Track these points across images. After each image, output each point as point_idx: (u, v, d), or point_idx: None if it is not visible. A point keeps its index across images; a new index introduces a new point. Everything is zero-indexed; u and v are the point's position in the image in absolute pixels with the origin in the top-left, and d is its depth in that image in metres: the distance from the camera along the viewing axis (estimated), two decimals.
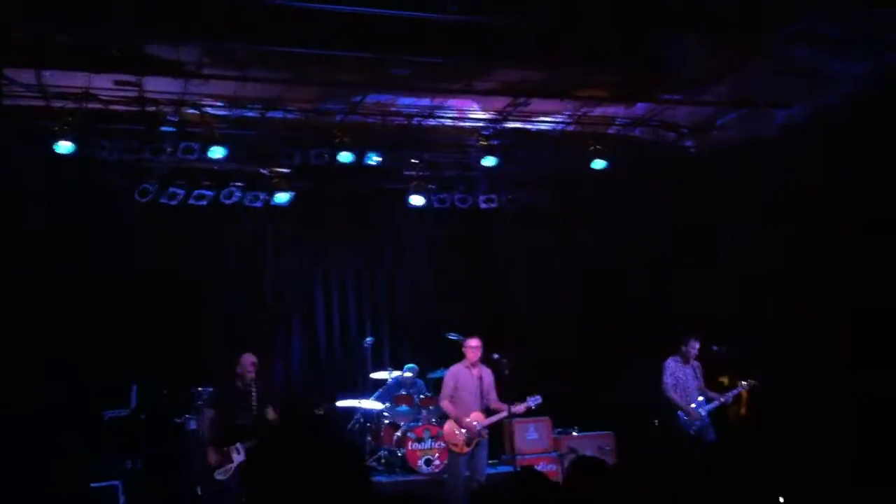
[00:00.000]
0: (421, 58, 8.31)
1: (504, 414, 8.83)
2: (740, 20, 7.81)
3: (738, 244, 10.25)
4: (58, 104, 8.78)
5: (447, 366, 10.77)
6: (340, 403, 10.51)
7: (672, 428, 9.47)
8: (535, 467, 8.35)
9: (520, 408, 8.78)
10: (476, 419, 8.73)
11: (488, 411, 8.87)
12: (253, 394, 8.12)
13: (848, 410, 8.48)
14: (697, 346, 9.62)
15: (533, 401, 8.78)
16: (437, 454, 9.93)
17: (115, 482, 8.89)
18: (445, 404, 8.90)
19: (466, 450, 8.71)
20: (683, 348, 9.64)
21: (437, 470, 9.87)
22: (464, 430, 8.70)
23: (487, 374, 8.96)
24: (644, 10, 7.54)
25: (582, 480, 4.12)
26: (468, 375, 8.88)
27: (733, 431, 9.87)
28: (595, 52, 8.37)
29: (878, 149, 8.64)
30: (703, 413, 9.42)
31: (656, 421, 9.81)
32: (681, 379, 9.58)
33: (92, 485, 8.72)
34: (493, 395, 8.95)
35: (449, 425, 8.85)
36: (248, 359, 8.24)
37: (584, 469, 4.24)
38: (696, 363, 9.66)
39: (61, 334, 9.55)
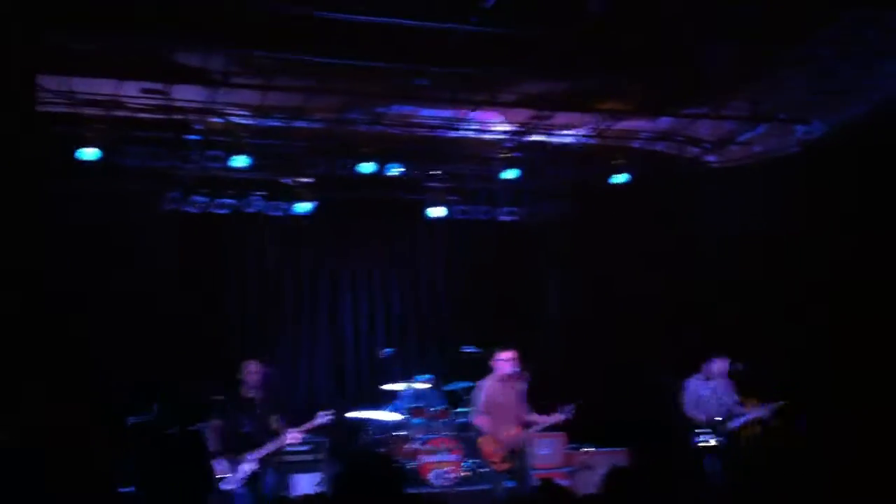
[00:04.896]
0: (443, 68, 8.35)
1: (542, 425, 8.57)
2: (771, 29, 7.79)
3: (761, 258, 10.17)
4: (86, 111, 8.89)
5: (463, 378, 10.80)
6: (355, 414, 10.49)
7: (686, 448, 9.37)
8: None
9: (556, 418, 8.49)
10: (513, 433, 8.43)
11: (525, 424, 8.54)
12: (258, 403, 8.10)
13: (862, 429, 8.41)
14: (718, 363, 9.39)
15: (567, 410, 8.46)
16: (450, 467, 9.86)
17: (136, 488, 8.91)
18: (480, 420, 8.59)
19: (506, 465, 8.40)
20: (704, 366, 9.52)
21: (449, 483, 9.79)
22: (502, 446, 8.42)
23: (521, 386, 8.63)
24: (674, 18, 7.54)
25: (618, 491, 4.10)
26: (502, 389, 8.55)
27: (756, 454, 9.79)
28: (619, 63, 8.38)
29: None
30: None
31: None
32: (703, 397, 9.47)
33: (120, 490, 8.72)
34: (526, 408, 8.64)
35: (485, 441, 8.53)
36: (251, 366, 8.13)
37: (620, 480, 4.21)
38: (724, 381, 9.41)
39: (83, 340, 9.61)
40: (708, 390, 9.40)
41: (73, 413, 8.91)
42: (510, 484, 8.53)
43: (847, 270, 9.10)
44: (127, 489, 8.78)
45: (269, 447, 7.86)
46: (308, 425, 8.07)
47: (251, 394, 8.06)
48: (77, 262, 9.77)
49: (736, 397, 9.41)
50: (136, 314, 10.14)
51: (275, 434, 7.95)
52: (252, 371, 8.09)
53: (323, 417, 8.15)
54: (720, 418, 9.25)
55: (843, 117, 9.37)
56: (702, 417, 9.32)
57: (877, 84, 8.72)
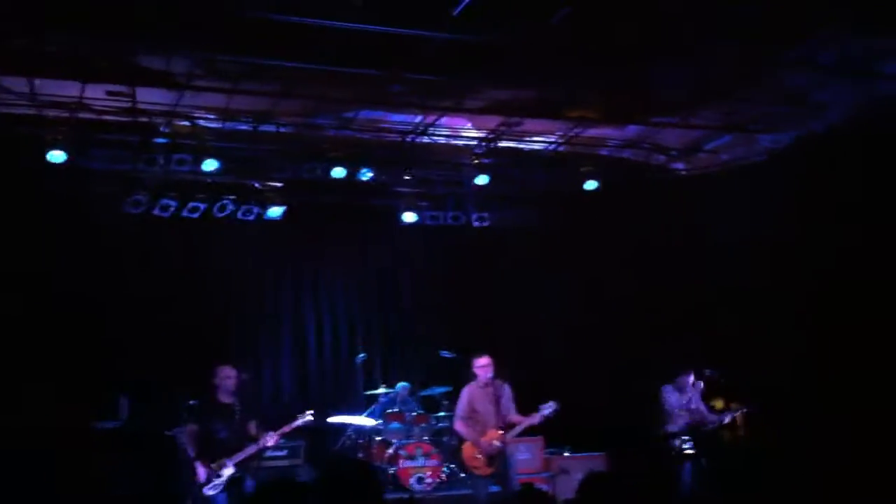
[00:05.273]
0: (412, 74, 8.35)
1: (523, 426, 8.54)
2: (737, 48, 7.87)
3: (728, 264, 10.25)
4: (50, 113, 8.81)
5: (439, 383, 10.81)
6: (332, 419, 10.46)
7: (662, 451, 9.41)
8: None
9: (536, 418, 8.48)
10: (493, 438, 8.45)
11: (508, 426, 8.51)
12: (234, 407, 8.05)
13: (844, 431, 8.49)
14: (690, 378, 9.46)
15: (547, 408, 8.47)
16: (428, 472, 9.83)
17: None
18: (459, 426, 8.62)
19: (489, 470, 8.43)
20: (676, 380, 9.58)
21: (428, 488, 9.78)
22: (483, 451, 8.44)
23: (506, 391, 8.64)
24: (639, 35, 7.60)
25: (595, 496, 4.10)
26: (482, 395, 8.58)
27: (731, 456, 9.84)
28: (586, 72, 8.42)
29: (866, 175, 8.71)
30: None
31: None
32: (674, 404, 9.52)
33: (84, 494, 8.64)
34: (512, 410, 8.65)
35: (467, 448, 8.55)
36: (225, 371, 8.08)
37: (596, 485, 4.21)
38: (695, 388, 9.49)
39: (51, 343, 9.54)
40: (676, 398, 9.47)
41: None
42: (494, 488, 8.56)
43: (826, 274, 9.19)
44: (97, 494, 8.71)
45: (249, 451, 7.83)
46: (287, 427, 8.06)
47: (226, 399, 8.03)
48: (45, 265, 9.71)
49: (703, 404, 9.49)
50: (103, 317, 10.06)
51: (252, 439, 7.92)
52: (227, 376, 8.05)
53: (302, 419, 8.15)
54: (692, 425, 9.32)
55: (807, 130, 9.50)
56: (674, 426, 9.39)
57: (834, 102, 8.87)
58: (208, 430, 7.91)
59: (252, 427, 8.03)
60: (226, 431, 7.91)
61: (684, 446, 9.31)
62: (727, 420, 9.39)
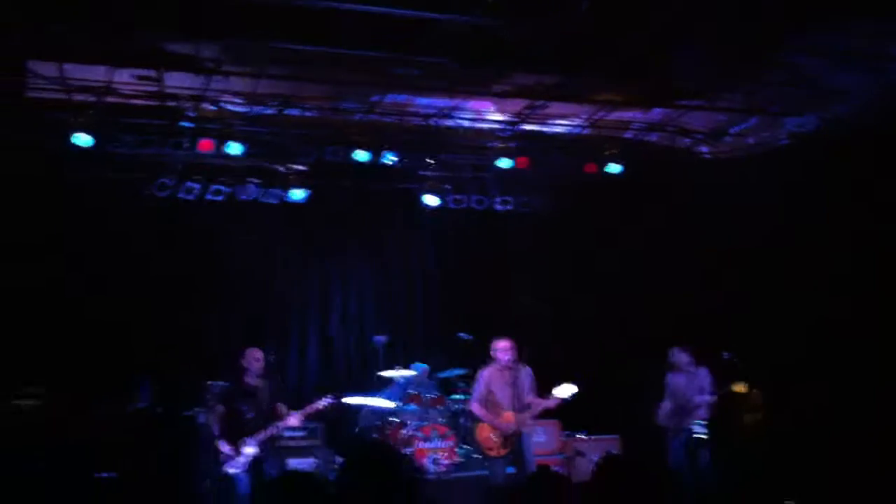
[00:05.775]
0: (437, 59, 8.33)
1: (540, 408, 8.60)
2: (749, 32, 7.82)
3: (751, 249, 10.22)
4: (78, 97, 8.86)
5: (457, 366, 10.86)
6: (350, 400, 10.54)
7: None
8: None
9: (552, 401, 8.54)
10: (508, 419, 8.51)
11: (525, 408, 8.56)
12: (261, 389, 8.14)
13: (861, 415, 8.50)
14: (683, 356, 9.37)
15: (564, 391, 8.49)
16: (444, 454, 9.92)
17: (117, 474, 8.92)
18: (476, 408, 8.68)
19: (504, 451, 8.51)
20: (671, 360, 9.54)
21: (443, 469, 9.87)
22: (498, 433, 8.53)
23: (525, 374, 8.67)
24: (656, 21, 7.55)
25: (610, 479, 4.12)
26: (500, 378, 8.63)
27: (749, 437, 9.86)
28: (611, 59, 8.38)
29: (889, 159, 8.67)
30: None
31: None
32: (671, 388, 9.50)
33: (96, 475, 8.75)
34: (531, 393, 8.67)
35: (482, 430, 8.63)
36: (253, 353, 8.20)
37: (612, 468, 4.23)
38: (693, 371, 9.36)
39: (74, 324, 9.65)
40: (674, 381, 9.43)
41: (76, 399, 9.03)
42: (510, 470, 8.61)
43: (851, 257, 9.17)
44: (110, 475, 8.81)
45: (270, 431, 7.93)
46: (310, 409, 8.14)
47: (254, 381, 8.12)
48: (70, 249, 9.80)
49: (706, 386, 9.38)
50: (127, 301, 10.15)
51: (278, 419, 8.01)
52: (256, 358, 8.16)
53: (324, 402, 8.22)
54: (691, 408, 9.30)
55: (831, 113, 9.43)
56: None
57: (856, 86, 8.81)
58: (235, 411, 8.03)
59: (281, 409, 8.15)
60: (252, 413, 8.03)
61: (698, 431, 9.33)
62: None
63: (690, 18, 7.56)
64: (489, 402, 8.65)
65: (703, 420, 9.13)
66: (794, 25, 7.74)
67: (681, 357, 9.40)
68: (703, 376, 9.27)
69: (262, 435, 7.91)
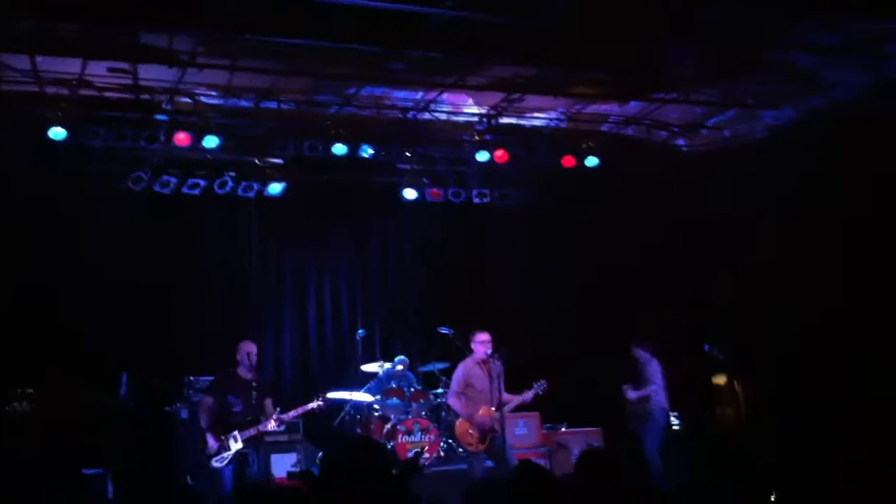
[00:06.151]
0: (414, 51, 8.31)
1: (515, 403, 8.66)
2: (738, 30, 7.85)
3: (730, 241, 10.28)
4: (52, 90, 8.75)
5: (438, 360, 10.85)
6: (331, 395, 10.51)
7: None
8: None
9: (528, 395, 8.62)
10: (486, 414, 8.50)
11: (497, 404, 8.58)
12: (253, 383, 8.10)
13: (845, 408, 8.57)
14: (641, 351, 9.59)
15: (539, 386, 8.61)
16: (426, 447, 9.93)
17: (104, 470, 8.86)
18: (453, 401, 8.68)
19: (482, 447, 8.51)
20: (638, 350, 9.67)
21: (426, 463, 9.87)
22: (476, 428, 8.52)
23: (497, 368, 8.65)
24: (639, 18, 7.57)
25: (592, 472, 4.13)
26: (479, 371, 8.62)
27: (731, 432, 9.93)
28: (587, 52, 8.39)
29: (870, 152, 8.74)
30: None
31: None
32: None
33: (83, 471, 8.69)
34: (502, 388, 8.67)
35: (460, 424, 8.62)
36: (247, 347, 8.19)
37: (593, 461, 4.24)
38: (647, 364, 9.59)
39: (50, 321, 9.55)
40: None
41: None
42: (489, 464, 8.62)
43: (829, 250, 9.24)
44: (95, 471, 8.75)
45: (260, 427, 7.93)
46: (295, 412, 8.15)
47: (246, 374, 8.09)
48: (44, 244, 9.69)
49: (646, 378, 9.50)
50: (104, 295, 10.05)
51: (264, 416, 7.99)
52: (249, 351, 8.15)
53: (314, 404, 8.24)
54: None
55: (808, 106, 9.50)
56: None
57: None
58: (224, 404, 8.00)
59: (269, 404, 8.13)
60: (241, 406, 8.03)
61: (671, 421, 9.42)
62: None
63: (673, 12, 7.58)
64: (466, 397, 8.64)
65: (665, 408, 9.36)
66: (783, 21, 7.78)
67: (640, 353, 9.59)
68: (652, 370, 9.49)
69: (250, 431, 7.90)
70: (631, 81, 9.41)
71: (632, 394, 9.50)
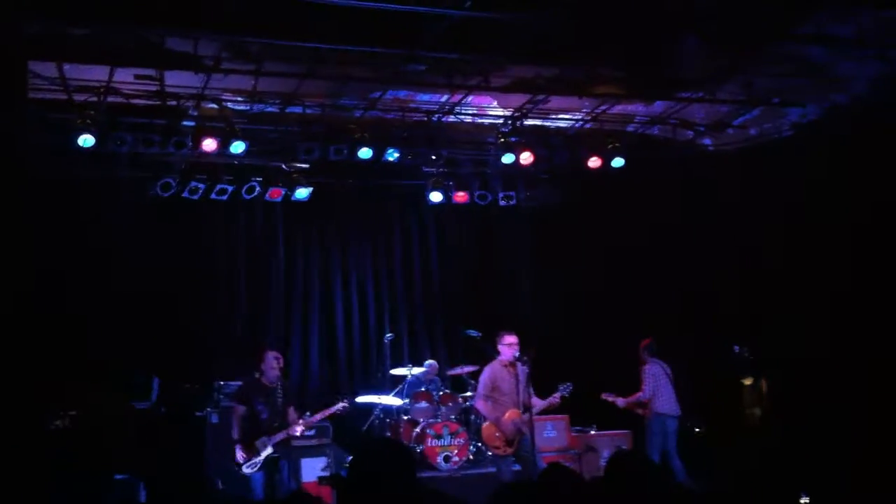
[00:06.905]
0: (437, 53, 8.32)
1: (541, 407, 8.55)
2: (749, 24, 7.79)
3: (752, 243, 10.18)
4: (79, 97, 8.87)
5: (466, 363, 10.82)
6: (360, 399, 10.53)
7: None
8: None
9: (555, 398, 8.52)
10: (513, 417, 8.38)
11: (524, 407, 8.42)
12: (278, 391, 8.19)
13: (863, 408, 8.45)
14: (642, 354, 9.65)
15: (565, 389, 8.52)
16: (455, 451, 9.89)
17: (136, 475, 8.92)
18: (481, 405, 8.58)
19: (510, 450, 8.39)
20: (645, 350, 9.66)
21: (455, 466, 9.84)
22: (503, 431, 8.39)
23: (523, 371, 8.51)
24: (654, 12, 7.53)
25: (622, 475, 4.09)
26: (506, 374, 8.49)
27: (754, 429, 9.82)
28: (606, 49, 8.36)
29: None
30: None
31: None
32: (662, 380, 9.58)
33: (115, 476, 8.76)
34: (531, 390, 8.52)
35: (487, 428, 8.53)
36: (272, 355, 8.32)
37: (624, 463, 4.20)
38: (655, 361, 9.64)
39: (81, 329, 9.64)
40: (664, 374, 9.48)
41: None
42: (516, 467, 8.56)
43: (855, 247, 9.12)
44: (126, 476, 8.81)
45: (288, 432, 8.05)
46: (321, 414, 8.26)
47: (270, 381, 8.18)
48: (73, 250, 9.80)
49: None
50: (135, 301, 10.14)
51: (290, 421, 8.12)
52: (275, 359, 8.27)
53: (339, 406, 8.31)
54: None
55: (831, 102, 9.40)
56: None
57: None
58: (252, 411, 8.11)
59: (291, 412, 8.23)
60: (267, 412, 8.15)
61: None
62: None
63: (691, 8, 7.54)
64: (493, 400, 8.54)
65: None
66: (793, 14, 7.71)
67: (642, 355, 9.61)
68: (646, 375, 9.53)
69: (278, 436, 8.02)
70: (648, 77, 9.34)
71: (620, 401, 9.62)
